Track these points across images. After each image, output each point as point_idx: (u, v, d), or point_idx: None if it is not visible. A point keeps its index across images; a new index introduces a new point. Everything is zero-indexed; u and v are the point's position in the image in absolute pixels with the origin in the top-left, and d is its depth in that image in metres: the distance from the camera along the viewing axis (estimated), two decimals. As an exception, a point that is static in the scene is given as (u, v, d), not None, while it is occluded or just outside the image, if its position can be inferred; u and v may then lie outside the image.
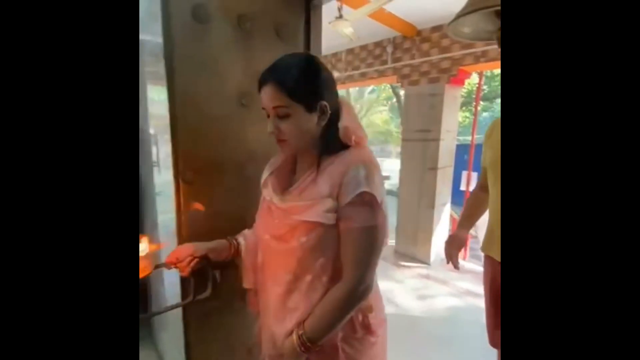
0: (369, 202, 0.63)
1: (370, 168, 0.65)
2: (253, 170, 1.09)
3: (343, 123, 0.68)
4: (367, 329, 0.72)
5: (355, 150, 0.68)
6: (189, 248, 0.79)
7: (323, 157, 0.70)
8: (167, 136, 1.29)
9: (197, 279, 0.75)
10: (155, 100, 1.43)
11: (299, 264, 0.67)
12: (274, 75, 0.65)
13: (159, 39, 1.12)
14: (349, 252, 0.65)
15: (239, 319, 1.16)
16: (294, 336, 0.66)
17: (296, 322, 0.67)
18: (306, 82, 0.65)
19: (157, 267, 0.80)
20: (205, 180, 0.99)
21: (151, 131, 1.52)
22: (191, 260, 0.76)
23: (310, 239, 0.66)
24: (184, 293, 0.78)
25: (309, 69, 0.66)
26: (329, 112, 0.67)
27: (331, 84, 0.70)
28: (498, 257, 1.17)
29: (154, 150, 1.55)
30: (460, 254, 1.31)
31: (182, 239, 0.98)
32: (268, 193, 0.77)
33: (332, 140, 0.69)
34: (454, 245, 1.23)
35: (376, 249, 0.66)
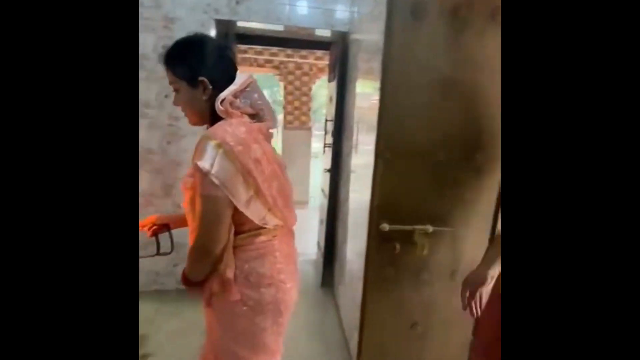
0: (199, 172, 0.68)
1: (214, 141, 0.69)
2: (444, 155, 1.13)
3: (220, 95, 0.75)
4: (224, 286, 0.77)
5: (220, 123, 0.74)
6: (152, 217, 0.95)
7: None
8: (364, 124, 1.46)
9: (159, 240, 0.94)
10: (359, 93, 1.66)
11: (189, 218, 0.79)
12: (165, 54, 0.76)
13: (374, 37, 1.30)
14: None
15: (409, 289, 1.26)
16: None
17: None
18: (185, 59, 0.75)
19: None
20: (400, 161, 1.12)
21: (354, 119, 1.77)
22: (151, 227, 0.93)
23: (187, 199, 0.77)
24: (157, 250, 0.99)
25: (189, 47, 0.76)
26: (210, 87, 0.75)
27: (216, 61, 0.77)
28: None
29: (354, 135, 1.80)
30: None
31: (372, 209, 1.15)
32: None
33: (213, 112, 0.76)
34: (470, 286, 0.93)
35: (210, 218, 0.71)
